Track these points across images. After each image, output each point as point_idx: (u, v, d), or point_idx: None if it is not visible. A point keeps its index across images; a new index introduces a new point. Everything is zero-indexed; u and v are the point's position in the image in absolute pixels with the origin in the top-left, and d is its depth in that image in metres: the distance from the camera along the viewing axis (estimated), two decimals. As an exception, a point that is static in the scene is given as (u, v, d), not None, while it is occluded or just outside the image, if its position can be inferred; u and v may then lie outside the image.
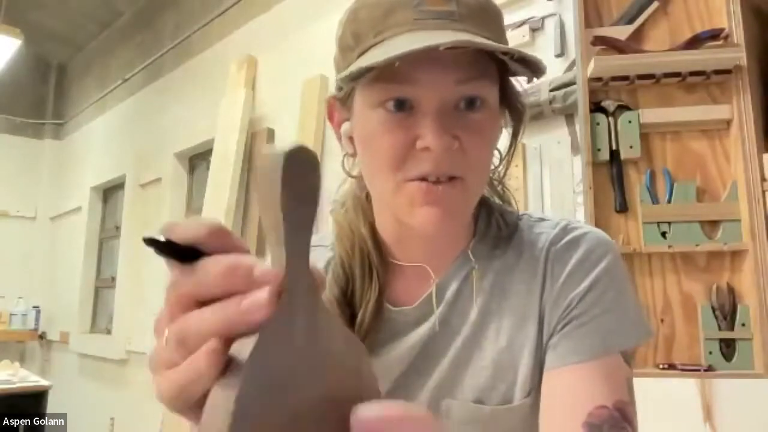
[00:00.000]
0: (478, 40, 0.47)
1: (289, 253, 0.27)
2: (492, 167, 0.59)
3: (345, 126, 0.58)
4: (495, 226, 0.61)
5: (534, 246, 0.59)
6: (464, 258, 0.60)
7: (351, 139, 0.57)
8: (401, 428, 0.24)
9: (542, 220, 0.63)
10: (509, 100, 0.58)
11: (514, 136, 0.60)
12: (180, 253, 0.28)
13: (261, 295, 0.26)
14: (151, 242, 0.27)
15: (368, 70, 0.47)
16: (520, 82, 0.58)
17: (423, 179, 0.51)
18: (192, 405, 0.28)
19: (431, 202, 0.51)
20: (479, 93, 0.52)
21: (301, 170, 0.27)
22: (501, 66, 0.53)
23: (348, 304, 0.60)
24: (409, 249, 0.60)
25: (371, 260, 0.60)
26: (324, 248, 0.65)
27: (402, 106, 0.51)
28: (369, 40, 0.51)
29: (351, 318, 0.58)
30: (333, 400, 0.28)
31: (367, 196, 0.63)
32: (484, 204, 0.64)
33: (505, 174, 0.64)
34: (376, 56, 0.47)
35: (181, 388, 0.27)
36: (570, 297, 0.56)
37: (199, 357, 0.26)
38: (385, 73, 0.48)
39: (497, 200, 0.65)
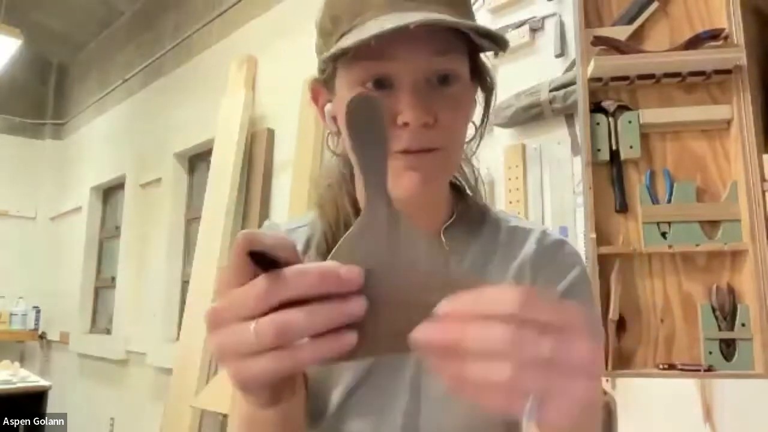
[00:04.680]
0: (447, 18, 0.51)
1: (366, 182, 0.38)
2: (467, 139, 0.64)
3: (328, 106, 0.62)
4: (469, 209, 0.66)
5: (514, 239, 0.65)
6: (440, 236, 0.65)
7: (334, 118, 0.61)
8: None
9: (515, 217, 0.69)
10: (480, 75, 0.62)
11: (486, 107, 0.65)
12: (263, 261, 0.33)
13: (357, 304, 0.34)
14: (256, 256, 0.33)
15: (346, 50, 0.51)
16: (489, 59, 0.64)
17: (404, 152, 0.55)
18: (268, 386, 0.37)
19: (412, 167, 0.55)
20: (451, 67, 0.55)
21: (362, 117, 0.37)
22: (470, 44, 0.57)
23: None
24: None
25: None
26: (304, 228, 0.68)
27: (381, 85, 0.54)
28: (346, 24, 0.55)
29: None
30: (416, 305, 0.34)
31: (351, 174, 0.67)
32: (456, 188, 0.68)
33: (477, 148, 0.68)
34: (353, 38, 0.51)
35: (275, 373, 0.33)
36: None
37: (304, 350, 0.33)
38: (363, 53, 0.52)
39: (468, 190, 0.69)
